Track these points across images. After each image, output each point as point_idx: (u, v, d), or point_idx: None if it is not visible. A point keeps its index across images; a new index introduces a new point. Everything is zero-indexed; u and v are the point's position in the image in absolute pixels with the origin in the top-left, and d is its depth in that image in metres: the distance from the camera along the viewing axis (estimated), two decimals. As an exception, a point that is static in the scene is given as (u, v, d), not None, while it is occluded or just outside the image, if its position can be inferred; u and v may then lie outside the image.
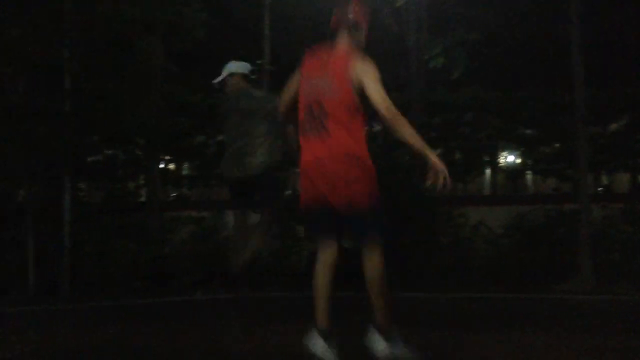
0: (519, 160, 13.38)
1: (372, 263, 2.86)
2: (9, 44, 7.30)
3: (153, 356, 3.89)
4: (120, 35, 7.90)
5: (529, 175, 14.50)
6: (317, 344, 2.85)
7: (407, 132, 2.83)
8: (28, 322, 6.24)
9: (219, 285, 6.63)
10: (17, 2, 7.25)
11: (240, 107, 4.53)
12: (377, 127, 8.32)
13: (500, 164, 13.50)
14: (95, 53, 7.88)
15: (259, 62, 9.41)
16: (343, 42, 3.00)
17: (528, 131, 12.35)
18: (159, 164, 10.76)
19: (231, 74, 4.64)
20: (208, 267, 7.48)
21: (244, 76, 4.70)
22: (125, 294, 7.55)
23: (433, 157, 2.85)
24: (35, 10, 7.35)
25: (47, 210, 8.22)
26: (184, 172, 13.23)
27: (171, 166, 13.09)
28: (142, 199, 10.21)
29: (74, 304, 7.23)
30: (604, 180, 13.71)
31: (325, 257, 2.96)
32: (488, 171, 13.78)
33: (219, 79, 4.68)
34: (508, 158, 13.84)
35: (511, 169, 13.52)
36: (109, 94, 7.94)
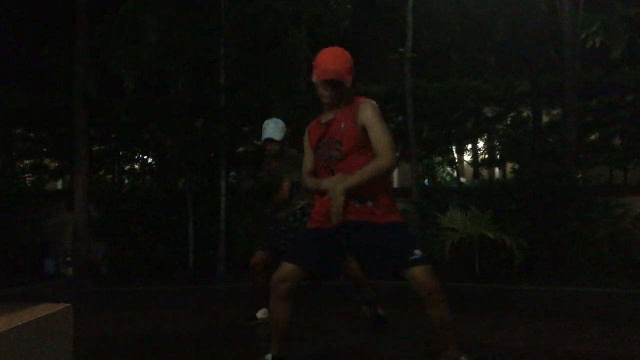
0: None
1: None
2: (172, 43, 7.93)
3: (303, 334, 4.07)
4: (270, 30, 8.26)
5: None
6: None
7: None
8: (190, 299, 6.82)
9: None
10: (178, 4, 7.85)
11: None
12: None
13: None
14: (247, 49, 8.32)
15: (400, 50, 9.37)
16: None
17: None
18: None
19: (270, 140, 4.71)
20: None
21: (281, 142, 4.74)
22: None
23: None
24: (196, 11, 7.91)
25: (204, 197, 8.88)
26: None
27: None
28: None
29: (229, 284, 7.76)
30: None
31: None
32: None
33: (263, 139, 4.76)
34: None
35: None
36: (259, 87, 8.34)
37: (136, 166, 11.81)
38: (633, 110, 10.76)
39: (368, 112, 2.82)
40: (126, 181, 11.46)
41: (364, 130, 2.81)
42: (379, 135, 2.78)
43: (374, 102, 2.89)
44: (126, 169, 11.74)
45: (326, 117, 3.01)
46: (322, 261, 2.93)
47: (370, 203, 2.80)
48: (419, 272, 2.63)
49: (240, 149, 11.13)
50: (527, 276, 7.02)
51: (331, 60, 2.87)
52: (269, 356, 2.93)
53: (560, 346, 3.69)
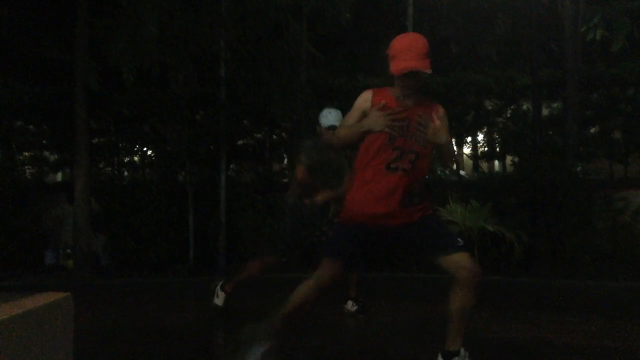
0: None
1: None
2: (173, 36, 7.91)
3: (304, 328, 4.08)
4: (271, 23, 8.23)
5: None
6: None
7: None
8: (190, 292, 6.82)
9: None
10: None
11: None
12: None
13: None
14: (247, 42, 8.30)
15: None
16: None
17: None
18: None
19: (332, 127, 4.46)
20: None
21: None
22: (274, 269, 7.94)
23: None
24: (196, 3, 7.88)
25: (205, 190, 8.88)
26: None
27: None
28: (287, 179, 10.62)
29: (229, 277, 7.73)
30: None
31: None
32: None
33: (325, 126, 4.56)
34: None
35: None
36: (259, 80, 8.33)
37: (136, 158, 11.81)
38: (634, 104, 10.75)
39: (446, 119, 2.91)
40: (126, 173, 11.46)
41: None
42: (449, 142, 2.88)
43: None
44: (126, 160, 11.74)
45: (403, 100, 2.89)
46: (362, 258, 3.14)
47: (417, 200, 2.82)
48: (466, 256, 2.69)
49: (240, 142, 11.14)
50: (527, 269, 7.03)
51: (415, 48, 2.88)
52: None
53: (560, 339, 3.70)
